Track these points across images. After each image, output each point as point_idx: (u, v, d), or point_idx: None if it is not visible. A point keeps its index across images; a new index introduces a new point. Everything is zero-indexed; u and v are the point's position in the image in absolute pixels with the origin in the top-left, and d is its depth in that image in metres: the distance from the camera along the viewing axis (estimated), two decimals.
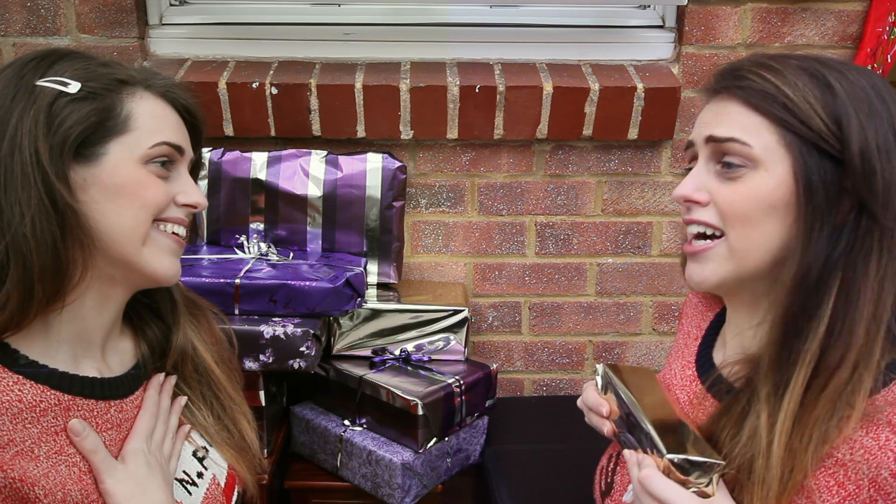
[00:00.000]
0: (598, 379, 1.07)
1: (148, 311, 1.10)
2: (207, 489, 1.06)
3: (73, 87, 0.91)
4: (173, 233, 1.00)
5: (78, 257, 0.90)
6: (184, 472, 1.04)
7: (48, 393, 0.91)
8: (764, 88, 0.88)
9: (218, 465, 1.09)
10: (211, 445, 1.10)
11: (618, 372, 1.04)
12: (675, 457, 0.87)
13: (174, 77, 1.77)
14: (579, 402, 1.11)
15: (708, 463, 0.87)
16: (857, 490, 0.82)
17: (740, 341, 0.99)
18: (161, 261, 0.98)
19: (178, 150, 1.00)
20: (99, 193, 0.92)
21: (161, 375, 1.05)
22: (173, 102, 1.02)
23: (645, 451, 0.92)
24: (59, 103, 0.90)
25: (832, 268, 0.86)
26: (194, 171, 1.08)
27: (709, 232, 0.94)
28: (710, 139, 0.91)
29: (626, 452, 0.94)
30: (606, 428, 1.03)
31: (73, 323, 0.95)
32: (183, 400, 1.07)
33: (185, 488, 1.03)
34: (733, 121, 0.90)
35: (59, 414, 0.91)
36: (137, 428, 0.99)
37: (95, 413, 0.95)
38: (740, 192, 0.89)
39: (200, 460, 1.07)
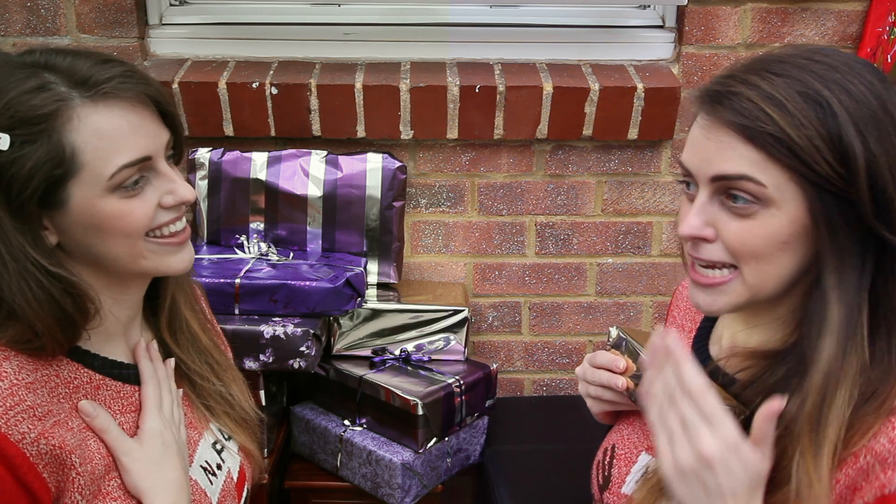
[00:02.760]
0: (611, 342, 1.06)
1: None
2: (224, 482, 1.08)
3: (3, 141, 0.84)
4: (170, 234, 0.96)
5: (87, 287, 0.91)
6: (206, 461, 1.07)
7: (81, 371, 0.94)
8: (766, 129, 0.82)
9: (233, 459, 1.12)
10: (214, 417, 1.11)
11: (632, 334, 1.04)
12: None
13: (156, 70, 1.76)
14: (578, 370, 1.09)
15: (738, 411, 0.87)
16: (853, 459, 0.82)
17: (737, 338, 0.98)
18: (167, 263, 0.97)
19: (144, 160, 0.90)
20: (81, 231, 0.90)
21: (143, 343, 1.03)
22: (122, 97, 0.89)
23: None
24: None
25: (860, 295, 0.84)
26: (176, 146, 0.98)
27: (719, 264, 0.89)
28: (718, 178, 0.86)
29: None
30: (621, 382, 1.01)
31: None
32: (172, 362, 1.06)
33: (208, 477, 1.06)
34: (740, 156, 0.84)
35: (89, 392, 0.94)
36: (148, 404, 0.99)
37: (122, 395, 0.98)
38: (751, 231, 0.85)
39: (219, 452, 1.10)
